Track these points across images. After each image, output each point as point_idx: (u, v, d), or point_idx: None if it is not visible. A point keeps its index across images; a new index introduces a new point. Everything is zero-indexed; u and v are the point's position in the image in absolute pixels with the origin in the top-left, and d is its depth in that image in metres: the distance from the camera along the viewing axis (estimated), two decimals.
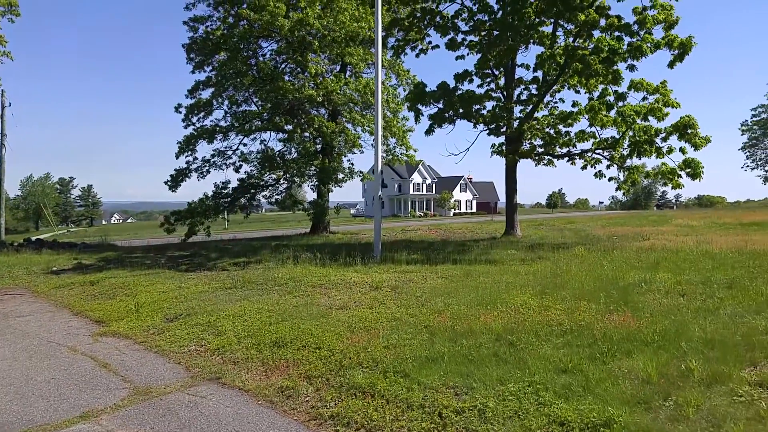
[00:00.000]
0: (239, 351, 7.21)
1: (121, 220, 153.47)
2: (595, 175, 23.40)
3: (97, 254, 21.77)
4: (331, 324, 7.96)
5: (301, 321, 8.21)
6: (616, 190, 23.03)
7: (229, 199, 28.38)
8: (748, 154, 79.39)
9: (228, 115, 28.95)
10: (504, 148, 23.98)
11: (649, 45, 20.49)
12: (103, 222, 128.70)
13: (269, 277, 12.46)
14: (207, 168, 28.38)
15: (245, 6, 26.42)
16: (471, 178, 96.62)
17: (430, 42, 26.74)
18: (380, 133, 18.20)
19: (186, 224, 26.15)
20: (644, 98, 21.98)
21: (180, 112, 28.23)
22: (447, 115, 23.32)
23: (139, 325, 9.12)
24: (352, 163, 30.33)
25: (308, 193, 69.22)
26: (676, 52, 20.11)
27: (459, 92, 23.41)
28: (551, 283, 10.18)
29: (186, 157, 28.03)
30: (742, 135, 79.09)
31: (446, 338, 6.91)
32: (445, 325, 7.54)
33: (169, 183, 27.77)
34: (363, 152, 29.65)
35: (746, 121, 78.71)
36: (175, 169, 27.88)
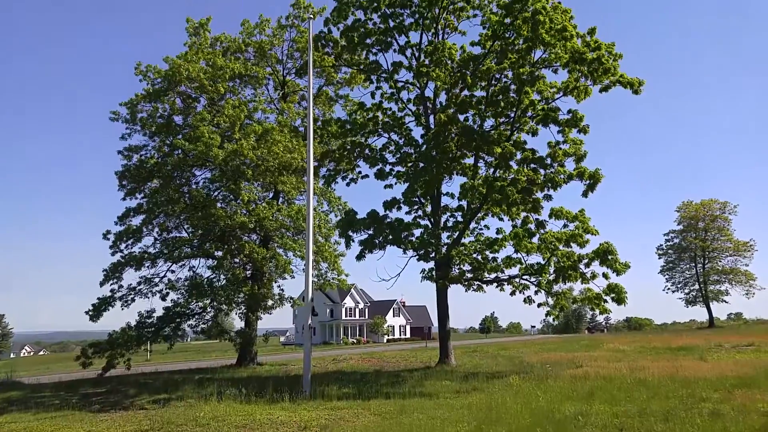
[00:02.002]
0: None
1: (32, 353, 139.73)
2: (525, 300, 23.85)
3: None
4: None
5: None
6: (546, 315, 23.56)
7: (153, 328, 26.82)
8: (667, 277, 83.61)
9: (157, 241, 28.24)
10: (434, 273, 24.31)
11: (562, 176, 22.27)
12: (12, 355, 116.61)
13: (191, 417, 11.47)
14: (132, 296, 27.07)
15: (180, 136, 26.91)
16: (404, 302, 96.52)
17: (360, 172, 28.00)
18: (311, 259, 18.12)
19: (105, 357, 24.32)
20: (565, 225, 23.20)
21: (108, 239, 27.31)
22: (377, 241, 23.74)
23: None
24: (283, 289, 29.76)
25: (236, 321, 66.54)
26: (588, 182, 21.85)
27: (388, 220, 24.09)
28: (487, 418, 9.86)
29: (111, 284, 26.75)
30: (659, 259, 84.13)
31: None
32: None
33: (90, 312, 26.12)
34: (294, 277, 29.29)
35: (661, 245, 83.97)
36: (98, 298, 26.42)
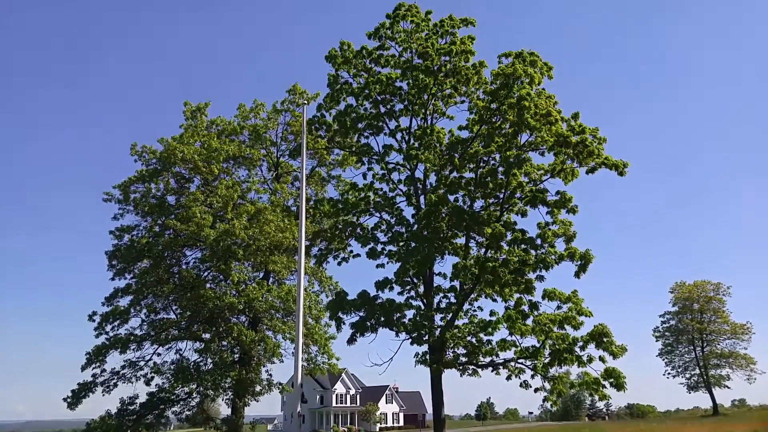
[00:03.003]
0: None
1: None
2: (521, 385, 23.08)
3: None
4: None
5: None
6: (543, 401, 22.71)
7: (135, 416, 25.91)
8: (666, 360, 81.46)
9: (145, 323, 27.81)
10: (428, 357, 23.69)
11: (553, 257, 22.27)
12: None
13: None
14: (115, 381, 26.42)
15: (173, 216, 27.16)
16: (397, 388, 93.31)
17: (351, 251, 28.01)
18: (300, 343, 17.76)
19: None
20: (558, 307, 22.83)
21: (93, 320, 26.85)
22: (369, 323, 23.31)
23: None
24: (271, 374, 28.92)
25: (223, 407, 63.86)
26: (579, 263, 21.80)
27: (379, 300, 23.76)
28: None
29: (93, 369, 26.08)
30: (656, 341, 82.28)
31: None
32: None
33: (69, 399, 25.37)
34: (283, 361, 28.53)
35: (657, 327, 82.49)
36: (78, 384, 25.79)
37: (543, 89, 23.63)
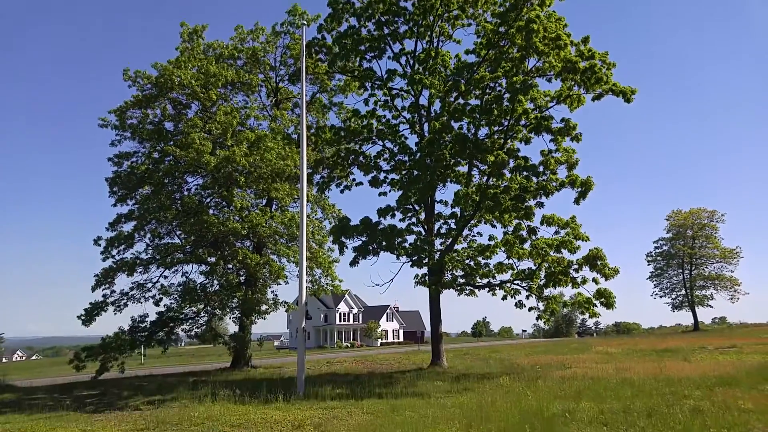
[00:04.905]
0: None
1: (24, 358, 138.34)
2: (516, 304, 24.08)
3: None
4: None
5: None
6: (537, 319, 23.78)
7: (146, 333, 27.00)
8: (655, 282, 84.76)
9: (150, 247, 28.30)
10: (427, 279, 24.55)
11: (554, 184, 22.57)
12: (4, 360, 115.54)
13: (185, 417, 11.65)
14: (125, 301, 27.20)
15: (171, 143, 27.03)
16: (397, 307, 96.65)
17: (354, 179, 28.23)
18: (305, 266, 18.38)
19: (98, 360, 24.54)
20: (556, 232, 23.43)
21: (99, 245, 27.34)
22: (370, 247, 23.90)
23: None
24: (276, 294, 29.84)
25: (230, 326, 66.36)
26: (580, 189, 22.13)
27: (381, 227, 24.24)
28: (477, 416, 10.11)
29: (103, 290, 26.85)
30: (648, 265, 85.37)
31: None
32: None
33: (82, 317, 26.21)
34: (288, 283, 29.38)
35: (650, 252, 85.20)
36: (90, 303, 26.52)
37: (553, 11, 22.88)
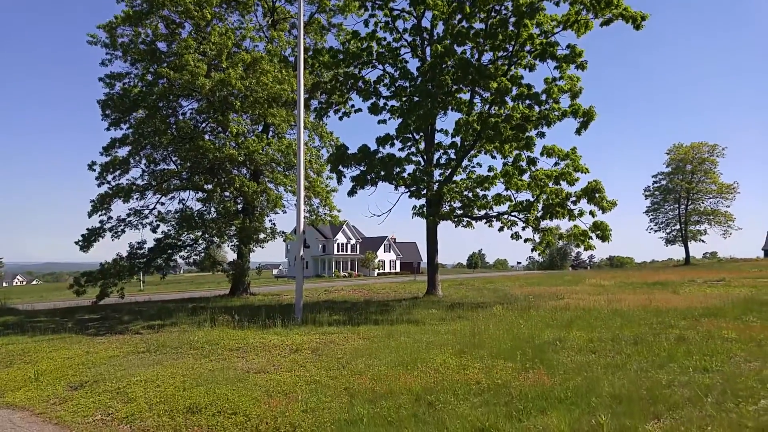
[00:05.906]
0: (150, 418, 6.69)
1: (24, 282, 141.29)
2: (512, 236, 24.30)
3: None
4: (248, 388, 7.60)
5: (217, 386, 7.77)
6: (532, 251, 24.00)
7: (144, 259, 27.15)
8: (651, 217, 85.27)
9: (145, 173, 27.98)
10: (425, 209, 24.53)
11: (556, 113, 22.06)
12: (4, 284, 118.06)
13: (185, 341, 11.87)
14: (122, 228, 27.13)
15: (165, 64, 26.08)
16: (395, 239, 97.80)
17: (353, 105, 27.54)
18: (302, 194, 18.19)
19: (98, 286, 24.92)
20: (556, 164, 23.23)
21: (94, 170, 26.98)
22: (369, 177, 23.70)
23: (39, 394, 8.27)
24: (274, 223, 29.90)
25: (229, 254, 67.26)
26: (582, 119, 21.64)
27: (380, 155, 23.93)
28: (470, 342, 10.27)
29: (100, 216, 26.74)
30: (645, 200, 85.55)
31: (366, 400, 6.74)
32: (365, 386, 7.36)
33: (80, 243, 26.28)
34: (286, 212, 29.39)
35: (648, 186, 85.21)
36: (87, 229, 26.55)
37: None
